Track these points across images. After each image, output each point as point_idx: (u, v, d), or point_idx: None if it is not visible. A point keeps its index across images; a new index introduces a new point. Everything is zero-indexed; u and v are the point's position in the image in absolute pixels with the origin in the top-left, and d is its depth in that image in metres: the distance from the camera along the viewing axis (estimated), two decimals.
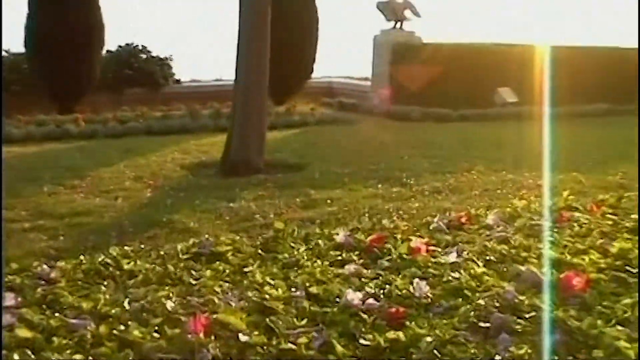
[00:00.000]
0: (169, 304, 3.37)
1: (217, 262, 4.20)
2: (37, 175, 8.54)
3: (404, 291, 3.56)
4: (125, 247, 4.71)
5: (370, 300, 3.39)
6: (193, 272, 4.02)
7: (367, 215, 6.31)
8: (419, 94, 16.81)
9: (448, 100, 16.35)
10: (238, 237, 4.99)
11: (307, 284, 3.69)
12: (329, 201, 7.02)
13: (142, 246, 4.96)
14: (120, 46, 18.53)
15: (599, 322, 3.06)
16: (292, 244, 4.61)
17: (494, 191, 7.63)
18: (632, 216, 5.28)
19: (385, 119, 15.85)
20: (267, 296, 3.48)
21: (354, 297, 3.40)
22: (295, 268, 4.07)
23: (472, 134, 13.36)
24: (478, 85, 16.85)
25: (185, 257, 4.35)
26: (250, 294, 3.55)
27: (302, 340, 2.94)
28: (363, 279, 3.84)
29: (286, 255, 4.34)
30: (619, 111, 16.74)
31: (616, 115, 16.41)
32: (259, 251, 4.46)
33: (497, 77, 16.86)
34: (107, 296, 3.57)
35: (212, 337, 2.96)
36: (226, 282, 3.83)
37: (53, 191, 7.71)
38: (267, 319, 3.16)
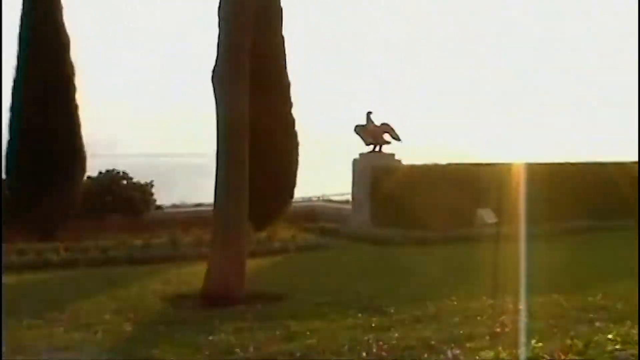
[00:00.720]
0: None
1: None
2: (16, 308, 8.57)
3: None
4: None
5: None
6: None
7: (346, 347, 6.39)
8: (400, 216, 17.13)
9: (429, 222, 16.65)
10: None
11: None
12: (308, 333, 7.09)
13: None
14: (100, 172, 18.91)
15: None
16: None
17: (474, 318, 7.72)
18: None
19: (367, 243, 16.05)
20: None
21: None
22: None
23: (452, 258, 13.56)
24: (458, 206, 17.19)
25: None
26: None
27: None
28: None
29: None
30: (599, 227, 17.06)
31: (597, 232, 16.70)
32: None
33: (477, 196, 17.25)
34: None
35: None
36: None
37: (32, 324, 7.72)
38: None
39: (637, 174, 18.01)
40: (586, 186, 18.42)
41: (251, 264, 10.70)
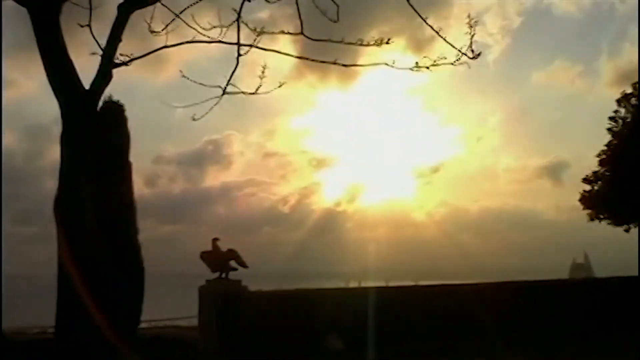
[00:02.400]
0: None
1: None
2: None
3: None
4: None
5: None
6: None
7: None
8: (248, 344, 17.38)
9: (277, 350, 17.04)
10: None
11: None
12: None
13: None
14: None
15: None
16: None
17: None
18: None
19: None
20: None
21: None
22: None
23: None
24: (307, 331, 17.81)
25: None
26: None
27: None
28: None
29: None
30: (453, 348, 18.19)
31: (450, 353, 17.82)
32: None
33: (329, 321, 17.99)
34: None
35: None
36: None
37: None
38: None
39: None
40: (436, 308, 19.74)
41: None
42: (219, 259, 19.24)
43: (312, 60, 11.81)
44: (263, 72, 11.30)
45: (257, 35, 11.39)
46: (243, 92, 11.70)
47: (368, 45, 11.55)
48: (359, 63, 12.02)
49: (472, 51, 11.15)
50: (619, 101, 32.60)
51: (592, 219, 33.59)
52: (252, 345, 17.36)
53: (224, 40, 11.52)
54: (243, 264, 19.43)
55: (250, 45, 11.45)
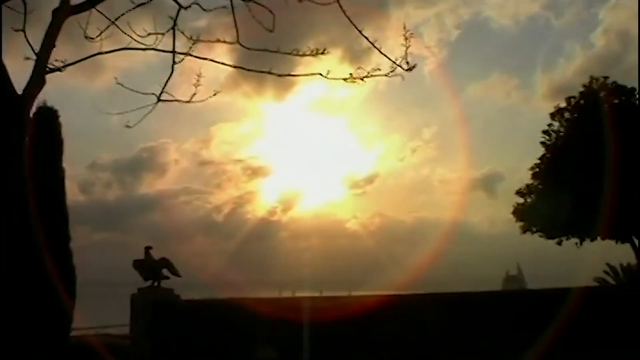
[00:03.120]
0: None
1: None
2: None
3: None
4: None
5: None
6: None
7: None
8: (178, 353, 17.44)
9: (208, 359, 17.16)
10: None
11: None
12: None
13: None
14: None
15: None
16: None
17: None
18: None
19: None
20: None
21: None
22: None
23: None
24: (238, 340, 17.96)
25: None
26: None
27: None
28: None
29: None
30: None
31: None
32: None
33: (258, 330, 18.18)
34: None
35: None
36: None
37: None
38: None
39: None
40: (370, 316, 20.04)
41: None
42: (152, 267, 19.26)
43: (247, 69, 11.97)
44: (198, 80, 11.40)
45: (193, 44, 11.50)
46: (178, 100, 11.80)
47: (304, 55, 11.71)
48: (294, 73, 12.21)
49: (407, 63, 11.40)
50: (552, 115, 33.68)
51: (525, 232, 34.54)
52: (183, 353, 17.41)
53: (159, 48, 11.60)
54: (176, 273, 19.46)
55: (186, 54, 11.57)
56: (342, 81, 11.85)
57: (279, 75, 11.76)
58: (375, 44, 11.33)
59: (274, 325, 18.22)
